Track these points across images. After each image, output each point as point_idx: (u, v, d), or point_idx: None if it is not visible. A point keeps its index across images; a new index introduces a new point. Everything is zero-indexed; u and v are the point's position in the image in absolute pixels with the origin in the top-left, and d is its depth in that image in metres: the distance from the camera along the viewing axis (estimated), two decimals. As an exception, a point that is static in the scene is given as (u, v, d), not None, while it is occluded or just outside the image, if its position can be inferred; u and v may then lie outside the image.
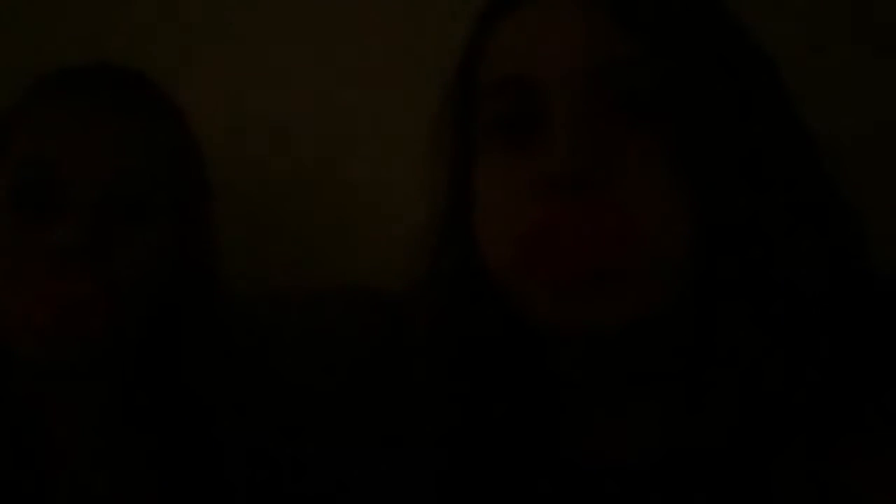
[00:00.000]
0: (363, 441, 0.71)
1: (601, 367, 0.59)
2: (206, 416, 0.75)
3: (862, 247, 0.58)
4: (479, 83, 0.60)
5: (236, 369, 0.76)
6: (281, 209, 0.97)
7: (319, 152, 0.99)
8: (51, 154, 0.70)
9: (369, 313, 0.84)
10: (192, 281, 0.76)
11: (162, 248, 0.72)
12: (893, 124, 0.85)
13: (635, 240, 0.53)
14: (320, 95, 0.99)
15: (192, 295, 0.76)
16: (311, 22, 1.00)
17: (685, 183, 0.53)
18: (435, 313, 0.64)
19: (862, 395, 0.53)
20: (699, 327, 0.55)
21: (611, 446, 0.59)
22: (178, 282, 0.75)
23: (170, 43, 1.00)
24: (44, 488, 0.72)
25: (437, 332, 0.64)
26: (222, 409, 0.75)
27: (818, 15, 0.88)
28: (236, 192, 0.87)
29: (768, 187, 0.55)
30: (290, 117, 0.99)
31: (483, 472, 0.61)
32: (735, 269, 0.54)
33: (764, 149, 0.56)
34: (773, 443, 0.54)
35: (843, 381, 0.53)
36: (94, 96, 0.74)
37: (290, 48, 1.00)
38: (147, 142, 0.73)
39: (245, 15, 1.01)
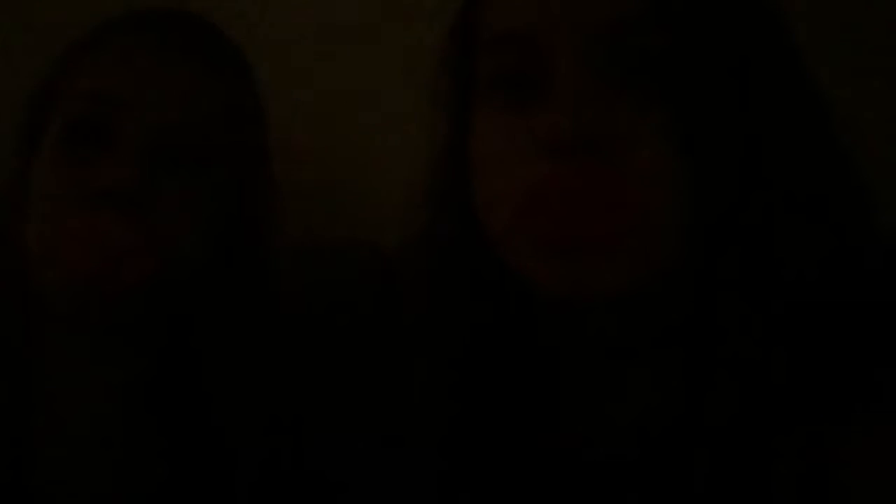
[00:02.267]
0: (362, 428, 0.70)
1: (594, 339, 0.58)
2: (219, 413, 0.72)
3: (868, 225, 0.57)
4: (478, 37, 0.59)
5: (261, 350, 0.73)
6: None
7: (319, 108, 0.97)
8: (109, 91, 0.68)
9: (366, 269, 0.83)
10: (241, 243, 0.73)
11: (214, 204, 0.70)
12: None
13: (633, 208, 0.52)
14: (322, 53, 0.98)
15: (239, 260, 0.73)
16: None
17: (685, 152, 0.53)
18: (431, 271, 0.63)
19: (862, 378, 0.52)
20: (697, 304, 0.55)
21: (609, 433, 0.59)
22: (227, 243, 0.72)
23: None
24: (44, 467, 0.70)
25: (433, 292, 0.63)
26: (237, 404, 0.72)
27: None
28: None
29: (771, 165, 0.54)
30: (290, 73, 0.97)
31: (481, 455, 0.61)
32: (732, 248, 0.54)
33: (770, 125, 0.55)
34: (772, 428, 0.53)
35: (843, 363, 0.53)
36: (163, 39, 0.71)
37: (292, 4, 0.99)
38: (212, 92, 0.71)
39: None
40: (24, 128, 0.72)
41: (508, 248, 0.57)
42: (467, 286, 0.61)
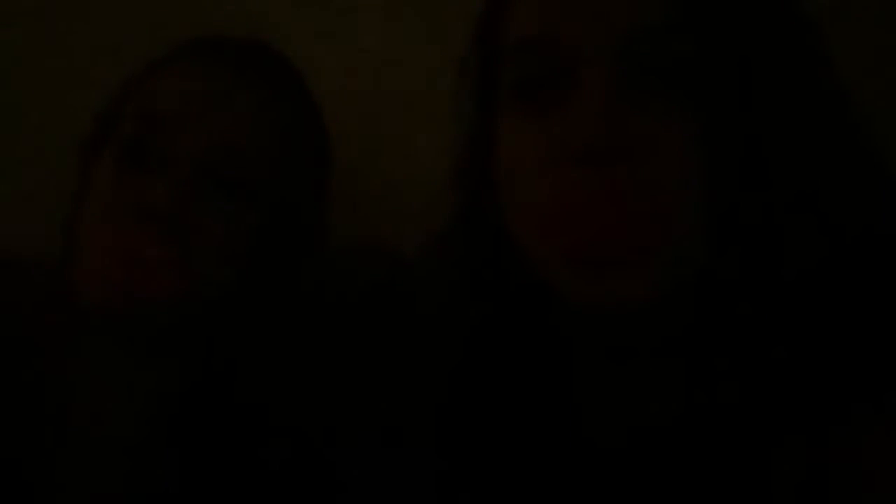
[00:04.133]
0: (368, 427, 0.70)
1: (605, 340, 0.59)
2: (239, 425, 0.72)
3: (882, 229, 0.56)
4: (501, 42, 0.59)
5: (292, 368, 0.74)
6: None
7: (340, 112, 0.93)
8: (162, 111, 0.70)
9: (382, 274, 0.84)
10: (279, 270, 0.74)
11: (254, 231, 0.71)
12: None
13: (661, 216, 0.52)
14: (344, 55, 0.97)
15: (274, 284, 0.74)
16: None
17: (709, 158, 0.52)
18: (447, 271, 0.64)
19: (862, 378, 0.52)
20: (699, 305, 0.55)
21: (613, 431, 0.59)
22: (264, 268, 0.73)
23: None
24: (60, 470, 0.72)
25: (447, 290, 0.64)
26: (259, 419, 0.72)
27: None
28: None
29: (789, 172, 0.54)
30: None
31: (485, 453, 0.61)
32: (732, 249, 0.53)
33: (794, 134, 0.54)
34: (772, 427, 0.53)
35: (844, 363, 0.52)
36: (223, 66, 0.73)
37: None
38: (267, 122, 0.72)
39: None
40: (87, 147, 0.74)
41: (535, 255, 0.57)
42: (482, 285, 0.62)
